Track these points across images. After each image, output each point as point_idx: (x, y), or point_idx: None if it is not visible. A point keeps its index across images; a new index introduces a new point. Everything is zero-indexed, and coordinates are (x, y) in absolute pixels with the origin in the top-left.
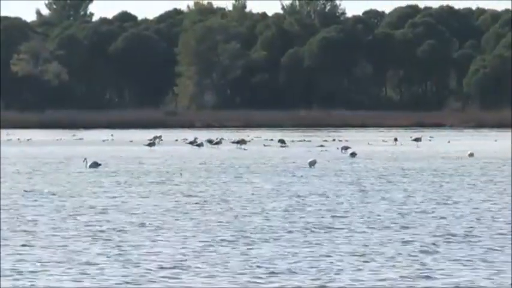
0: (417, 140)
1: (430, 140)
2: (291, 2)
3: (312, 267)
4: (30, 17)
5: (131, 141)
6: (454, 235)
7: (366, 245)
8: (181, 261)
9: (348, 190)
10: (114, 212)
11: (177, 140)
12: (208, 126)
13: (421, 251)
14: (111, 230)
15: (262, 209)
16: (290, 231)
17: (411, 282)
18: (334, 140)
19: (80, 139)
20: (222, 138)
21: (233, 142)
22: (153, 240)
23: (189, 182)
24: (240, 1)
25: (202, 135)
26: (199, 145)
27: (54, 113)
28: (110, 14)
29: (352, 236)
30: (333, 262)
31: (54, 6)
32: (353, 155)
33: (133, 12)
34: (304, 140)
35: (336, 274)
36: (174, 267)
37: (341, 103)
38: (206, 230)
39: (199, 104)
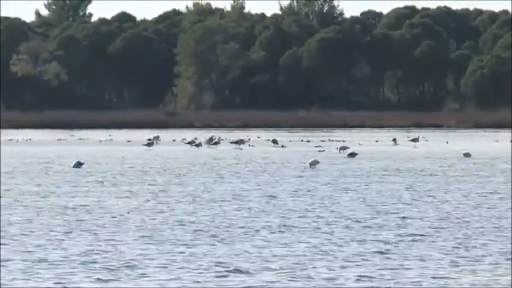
0: (414, 140)
1: (426, 141)
2: (289, 2)
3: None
4: (29, 17)
5: (129, 141)
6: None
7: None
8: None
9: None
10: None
11: (174, 140)
12: (207, 126)
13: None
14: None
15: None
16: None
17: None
18: (330, 140)
19: (79, 139)
20: (220, 138)
21: (232, 142)
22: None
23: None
24: (239, 2)
25: (202, 135)
26: (198, 145)
27: (53, 113)
28: (108, 15)
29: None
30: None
31: (54, 7)
32: (352, 155)
33: (132, 12)
34: (302, 140)
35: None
36: (133, 267)
37: (340, 103)
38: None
39: (198, 104)
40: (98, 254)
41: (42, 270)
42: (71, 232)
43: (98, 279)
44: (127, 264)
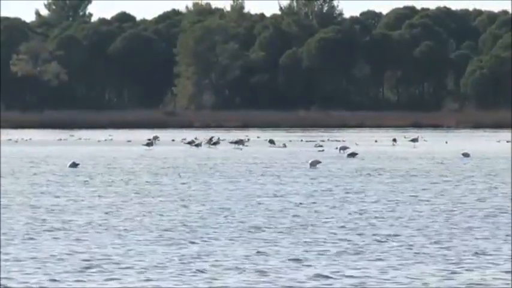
0: (414, 140)
1: (425, 141)
2: (288, 2)
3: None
4: (29, 17)
5: (129, 141)
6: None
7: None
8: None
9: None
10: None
11: (174, 140)
12: (207, 126)
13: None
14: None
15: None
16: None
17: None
18: (329, 139)
19: (79, 139)
20: (220, 138)
21: (231, 142)
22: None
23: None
24: (238, 2)
25: (201, 135)
26: (198, 145)
27: (53, 113)
28: (108, 15)
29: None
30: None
31: (54, 7)
32: (353, 155)
33: (132, 12)
34: (302, 140)
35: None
36: (104, 266)
37: (340, 103)
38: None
39: (198, 104)
40: (68, 254)
41: (11, 269)
42: (43, 232)
43: (65, 279)
44: (95, 264)
